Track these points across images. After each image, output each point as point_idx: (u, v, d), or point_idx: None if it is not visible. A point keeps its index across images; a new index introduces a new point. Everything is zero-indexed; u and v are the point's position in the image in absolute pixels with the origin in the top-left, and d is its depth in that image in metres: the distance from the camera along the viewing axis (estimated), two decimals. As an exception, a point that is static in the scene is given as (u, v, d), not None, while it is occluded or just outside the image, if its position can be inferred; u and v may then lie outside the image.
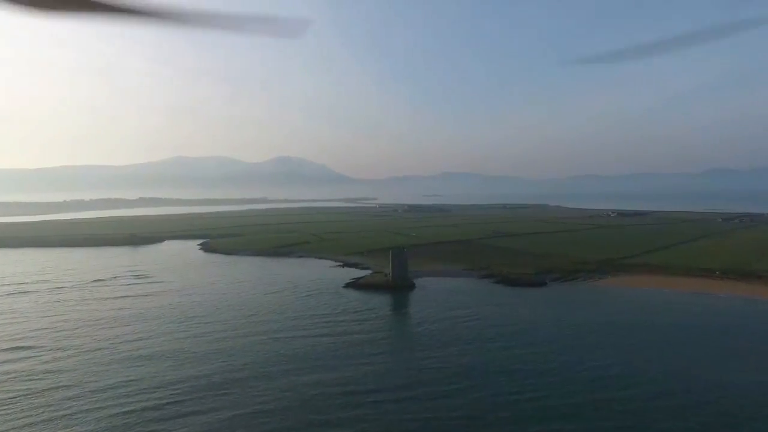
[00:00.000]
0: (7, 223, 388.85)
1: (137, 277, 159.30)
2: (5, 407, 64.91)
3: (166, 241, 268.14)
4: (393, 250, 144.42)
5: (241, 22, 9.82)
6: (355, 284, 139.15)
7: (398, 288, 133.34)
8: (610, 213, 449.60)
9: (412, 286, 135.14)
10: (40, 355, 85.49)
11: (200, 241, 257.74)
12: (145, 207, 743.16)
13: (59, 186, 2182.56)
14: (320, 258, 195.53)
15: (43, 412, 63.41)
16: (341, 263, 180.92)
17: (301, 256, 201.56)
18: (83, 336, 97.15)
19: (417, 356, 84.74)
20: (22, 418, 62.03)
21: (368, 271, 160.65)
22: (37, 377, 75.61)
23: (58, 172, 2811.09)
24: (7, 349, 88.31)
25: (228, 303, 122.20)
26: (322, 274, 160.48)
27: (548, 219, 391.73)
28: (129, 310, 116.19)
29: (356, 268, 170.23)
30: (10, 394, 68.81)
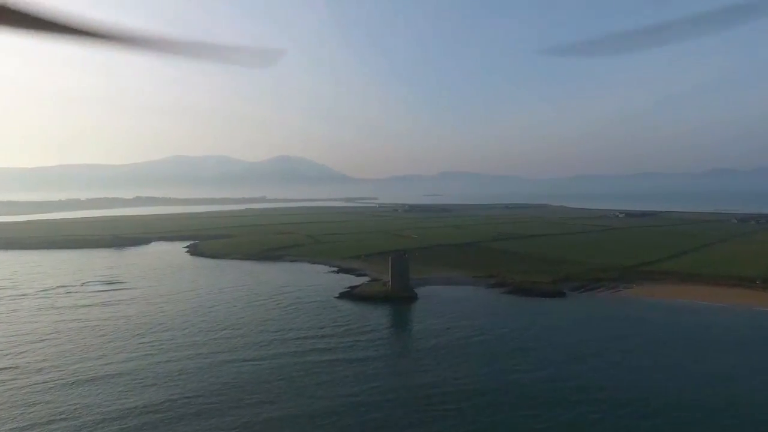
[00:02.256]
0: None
1: (109, 283, 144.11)
2: None
3: (152, 243, 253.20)
4: (393, 256, 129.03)
5: (217, 52, 9.87)
6: (349, 294, 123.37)
7: (398, 299, 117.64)
8: (617, 214, 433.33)
9: (414, 297, 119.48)
10: (-37, 385, 70.37)
11: (189, 243, 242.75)
12: (140, 206, 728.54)
13: (58, 185, 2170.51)
14: (314, 263, 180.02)
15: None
16: (336, 268, 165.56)
17: (293, 261, 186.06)
18: (23, 354, 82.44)
19: (417, 383, 69.62)
20: None
21: (365, 278, 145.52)
22: (-54, 417, 60.42)
23: (56, 171, 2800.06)
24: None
25: (202, 315, 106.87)
26: (314, 282, 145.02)
27: (555, 220, 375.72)
28: (87, 323, 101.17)
29: (353, 274, 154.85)
30: None
